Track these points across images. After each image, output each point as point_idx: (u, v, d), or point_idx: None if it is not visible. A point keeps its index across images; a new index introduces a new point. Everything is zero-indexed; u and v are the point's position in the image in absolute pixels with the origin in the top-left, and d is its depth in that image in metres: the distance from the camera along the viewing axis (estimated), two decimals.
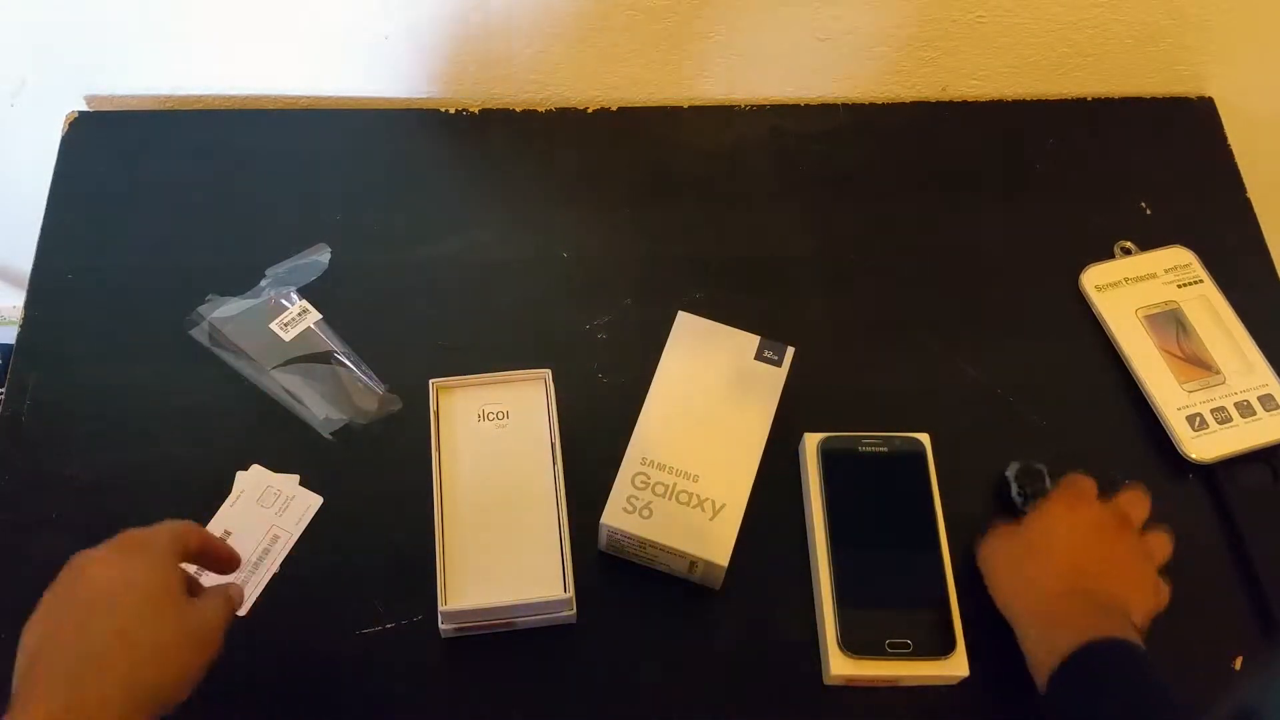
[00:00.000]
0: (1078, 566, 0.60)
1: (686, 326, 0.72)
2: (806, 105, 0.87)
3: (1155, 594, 0.61)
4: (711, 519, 0.64)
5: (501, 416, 0.68)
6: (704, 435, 0.68)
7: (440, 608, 0.62)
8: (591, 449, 0.68)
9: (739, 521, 0.65)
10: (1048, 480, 0.69)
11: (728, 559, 0.63)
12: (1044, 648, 0.57)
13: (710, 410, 0.69)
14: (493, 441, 0.67)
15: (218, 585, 0.55)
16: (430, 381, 0.68)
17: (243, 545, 0.67)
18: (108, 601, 0.49)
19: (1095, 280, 0.79)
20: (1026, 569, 0.62)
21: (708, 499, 0.65)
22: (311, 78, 0.85)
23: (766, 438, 0.68)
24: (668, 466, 0.66)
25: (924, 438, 0.70)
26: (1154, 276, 0.79)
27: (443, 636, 0.64)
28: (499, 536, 0.64)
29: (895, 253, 0.81)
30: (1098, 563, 0.60)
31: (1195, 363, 0.75)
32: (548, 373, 0.69)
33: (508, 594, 0.62)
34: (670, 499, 0.65)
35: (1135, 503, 0.64)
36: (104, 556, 0.51)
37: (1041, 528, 0.63)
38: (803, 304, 0.78)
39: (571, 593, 0.63)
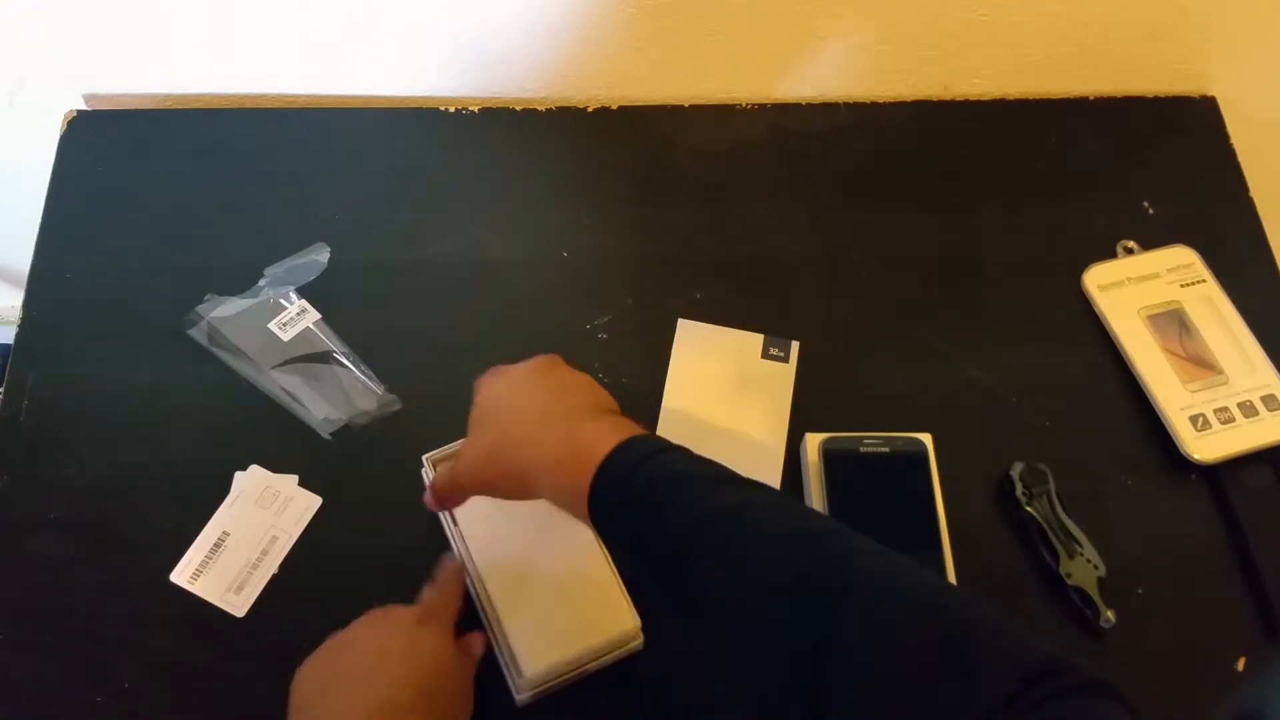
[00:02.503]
0: (532, 409, 0.55)
1: (689, 334, 0.72)
2: (807, 104, 0.87)
3: (592, 389, 0.57)
4: None
5: None
6: (725, 442, 0.67)
7: (516, 678, 0.59)
8: None
9: None
10: (1051, 480, 0.69)
11: None
12: (569, 495, 0.51)
13: (727, 416, 0.68)
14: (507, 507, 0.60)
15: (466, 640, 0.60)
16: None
17: (241, 545, 0.67)
18: (365, 670, 0.54)
19: (1098, 280, 0.79)
20: (501, 443, 0.55)
21: None
22: (311, 78, 0.84)
23: (786, 434, 0.67)
24: None
25: (926, 438, 0.69)
26: (1156, 276, 0.79)
27: (519, 706, 0.61)
28: (548, 584, 0.60)
29: (896, 252, 0.81)
30: (542, 396, 0.56)
31: (1198, 363, 0.75)
32: None
33: (580, 640, 0.59)
34: None
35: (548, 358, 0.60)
36: (361, 631, 0.57)
37: (479, 417, 0.57)
38: (804, 304, 0.78)
39: (639, 621, 0.61)
